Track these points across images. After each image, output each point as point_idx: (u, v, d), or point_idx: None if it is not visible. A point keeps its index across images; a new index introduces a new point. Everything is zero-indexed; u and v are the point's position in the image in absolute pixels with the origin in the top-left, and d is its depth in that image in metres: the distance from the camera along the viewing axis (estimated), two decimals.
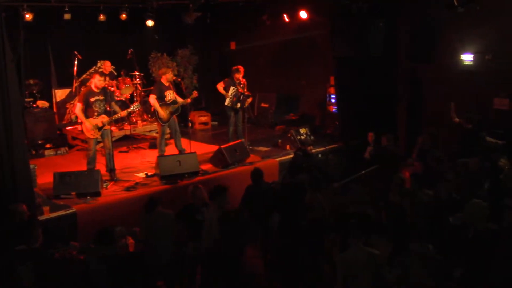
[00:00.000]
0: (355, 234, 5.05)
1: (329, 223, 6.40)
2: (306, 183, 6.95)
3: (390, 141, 9.09)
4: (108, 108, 8.53)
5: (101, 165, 8.85)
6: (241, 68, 10.55)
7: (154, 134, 11.51)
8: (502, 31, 8.85)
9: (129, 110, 9.05)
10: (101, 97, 8.47)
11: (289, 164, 9.21)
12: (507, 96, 9.09)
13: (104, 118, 8.46)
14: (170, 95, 9.53)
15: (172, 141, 11.42)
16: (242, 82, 10.55)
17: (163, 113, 9.38)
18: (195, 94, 9.94)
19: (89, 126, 8.36)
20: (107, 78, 11.43)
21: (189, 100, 9.87)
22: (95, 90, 8.44)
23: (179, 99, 9.71)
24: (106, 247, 5.39)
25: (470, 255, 5.24)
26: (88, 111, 8.40)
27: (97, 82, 8.41)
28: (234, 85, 10.47)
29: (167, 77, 9.56)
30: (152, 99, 9.43)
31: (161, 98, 9.43)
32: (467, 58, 9.43)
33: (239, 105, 10.53)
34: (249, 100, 10.81)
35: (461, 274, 5.20)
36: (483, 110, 9.27)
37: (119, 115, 8.73)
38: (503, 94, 9.13)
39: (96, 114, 8.43)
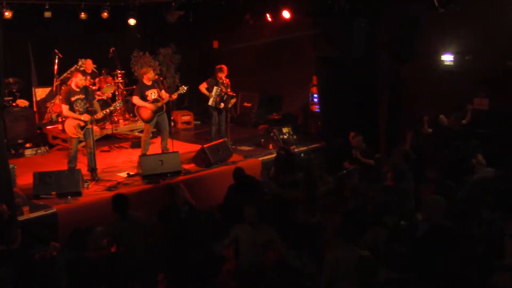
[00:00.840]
0: (347, 234, 5.03)
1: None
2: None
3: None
4: (91, 109, 8.49)
5: (82, 165, 8.77)
6: (224, 67, 10.51)
7: (136, 134, 11.46)
8: (482, 32, 8.96)
9: (111, 108, 9.03)
10: (82, 96, 8.41)
11: (273, 163, 9.20)
12: (486, 96, 9.21)
13: (86, 117, 8.39)
14: (152, 94, 9.49)
15: (155, 140, 11.39)
16: (225, 82, 10.53)
17: (146, 112, 9.36)
18: (181, 89, 9.73)
19: (85, 117, 8.28)
20: (89, 77, 11.34)
21: (174, 96, 9.73)
22: (76, 89, 8.38)
23: (165, 96, 9.59)
24: (77, 250, 5.35)
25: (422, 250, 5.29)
26: (71, 110, 8.34)
27: (78, 81, 8.35)
28: (217, 84, 10.43)
29: (148, 76, 9.51)
30: (136, 99, 9.43)
31: (143, 98, 9.41)
32: (447, 58, 9.53)
33: (222, 105, 10.50)
34: (233, 100, 10.81)
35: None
36: (463, 110, 9.37)
37: (99, 115, 8.69)
38: (483, 94, 9.25)
39: (77, 113, 8.36)
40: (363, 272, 4.79)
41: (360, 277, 4.79)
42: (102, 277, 5.43)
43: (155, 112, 9.47)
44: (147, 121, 9.49)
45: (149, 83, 9.54)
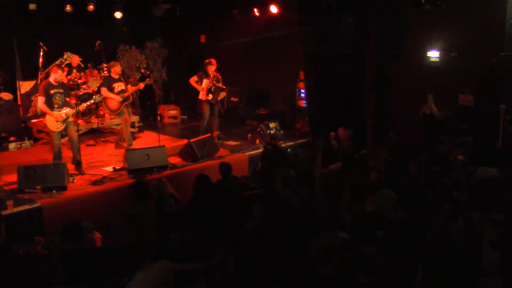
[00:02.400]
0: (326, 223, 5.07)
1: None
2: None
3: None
4: (68, 100, 8.54)
5: (66, 159, 8.70)
6: (213, 61, 10.56)
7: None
8: (468, 29, 9.03)
9: (91, 101, 9.06)
10: (61, 90, 8.42)
11: (260, 158, 9.21)
12: (471, 93, 9.29)
13: (68, 110, 8.38)
14: (119, 86, 9.82)
15: (141, 134, 11.36)
16: (215, 75, 10.53)
17: (113, 103, 9.73)
18: (148, 80, 10.10)
19: (58, 117, 8.24)
20: (74, 70, 11.26)
21: (141, 86, 10.13)
22: (54, 83, 8.37)
23: (132, 88, 10.03)
24: (73, 242, 5.31)
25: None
26: (48, 103, 8.28)
27: (57, 76, 8.38)
28: (207, 77, 10.46)
29: (115, 70, 9.93)
30: (104, 91, 9.77)
31: (110, 90, 9.75)
32: (433, 55, 9.59)
33: (211, 96, 10.49)
34: (223, 94, 10.83)
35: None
36: (449, 106, 9.46)
37: (81, 107, 8.74)
38: (468, 91, 9.33)
39: (56, 106, 8.32)
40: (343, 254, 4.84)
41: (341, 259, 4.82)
42: (88, 271, 5.39)
43: (122, 102, 9.78)
44: (114, 111, 9.86)
45: (116, 77, 9.92)
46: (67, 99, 8.52)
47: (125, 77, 10.18)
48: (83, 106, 8.82)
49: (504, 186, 6.31)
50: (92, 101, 9.06)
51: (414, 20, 9.71)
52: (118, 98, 9.70)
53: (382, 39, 10.18)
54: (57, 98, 8.33)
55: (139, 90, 10.45)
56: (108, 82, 9.85)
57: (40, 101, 8.30)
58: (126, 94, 9.81)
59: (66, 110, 8.36)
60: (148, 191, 6.29)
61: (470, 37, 9.03)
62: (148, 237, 5.88)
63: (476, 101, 9.23)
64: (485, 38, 8.83)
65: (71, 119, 8.49)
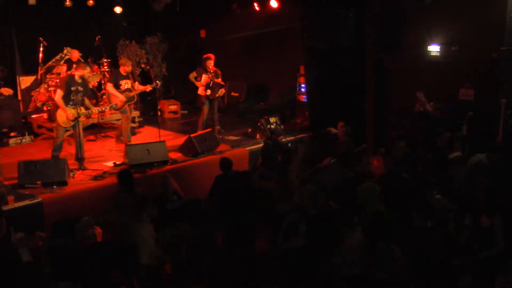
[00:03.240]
0: None
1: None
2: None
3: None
4: (86, 100, 8.51)
5: (66, 154, 8.70)
6: (212, 56, 10.54)
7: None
8: (469, 23, 9.01)
9: (107, 107, 9.16)
10: (81, 88, 8.37)
11: (260, 153, 9.22)
12: (472, 87, 9.28)
13: (81, 111, 8.38)
14: (126, 84, 9.70)
15: (141, 129, 11.36)
16: (215, 70, 10.54)
17: (117, 101, 9.48)
18: (156, 84, 9.95)
19: (70, 115, 8.23)
20: (74, 65, 11.23)
21: (148, 89, 10.00)
22: (77, 79, 8.33)
23: (139, 88, 9.86)
24: (63, 239, 5.33)
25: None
26: (65, 98, 8.25)
27: (86, 73, 8.39)
28: (206, 73, 10.45)
29: (125, 69, 9.75)
30: (109, 87, 9.62)
31: (116, 87, 9.60)
32: (434, 49, 9.57)
33: (209, 91, 10.48)
34: (222, 90, 10.83)
35: None
36: (449, 101, 9.44)
37: (91, 110, 8.70)
38: (469, 85, 9.32)
39: (71, 103, 8.28)
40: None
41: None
42: (87, 266, 5.41)
43: (126, 101, 9.66)
44: (118, 109, 9.66)
45: (125, 74, 9.76)
46: (85, 98, 8.48)
47: (133, 75, 9.98)
48: (96, 110, 8.87)
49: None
50: (107, 107, 9.11)
51: (414, 13, 9.69)
52: (122, 97, 9.53)
53: (382, 33, 10.16)
54: (75, 95, 8.29)
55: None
56: (115, 78, 9.72)
57: (58, 94, 8.26)
58: (131, 94, 9.67)
59: (80, 111, 8.32)
60: (132, 180, 6.32)
61: (471, 31, 9.01)
62: (131, 229, 5.96)
63: (476, 96, 9.23)
64: (486, 32, 8.82)
65: (81, 119, 8.49)
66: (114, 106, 9.19)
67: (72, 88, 8.26)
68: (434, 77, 9.61)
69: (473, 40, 8.99)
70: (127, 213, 6.02)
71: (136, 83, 9.90)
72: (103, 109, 9.13)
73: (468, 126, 8.44)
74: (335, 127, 9.48)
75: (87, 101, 8.55)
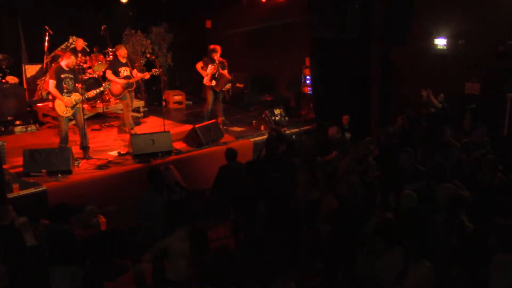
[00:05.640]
0: None
1: None
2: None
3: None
4: (77, 86, 8.50)
5: (72, 143, 8.73)
6: (218, 48, 10.54)
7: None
8: (475, 17, 8.96)
9: (101, 88, 9.13)
10: (71, 75, 8.42)
11: (264, 144, 9.21)
12: (478, 81, 9.24)
13: (77, 96, 8.40)
14: (125, 71, 9.69)
15: (146, 119, 11.37)
16: (221, 61, 10.54)
17: (117, 87, 9.57)
18: (155, 71, 9.80)
19: (67, 102, 8.27)
20: (80, 54, 11.25)
21: (147, 76, 9.92)
22: (66, 68, 8.37)
23: (138, 75, 9.87)
24: (59, 224, 5.35)
25: None
26: (58, 87, 8.29)
27: (70, 62, 8.40)
28: (212, 63, 10.44)
29: (121, 54, 9.73)
30: (109, 74, 9.64)
31: (115, 74, 9.62)
32: (440, 42, 9.53)
33: (214, 82, 10.48)
34: (229, 85, 10.84)
35: None
36: (455, 95, 9.41)
37: (90, 93, 8.77)
38: (475, 79, 9.27)
39: (65, 91, 8.33)
40: None
41: None
42: (88, 254, 5.44)
43: (125, 88, 9.67)
44: (117, 96, 9.74)
45: (123, 61, 9.75)
46: (76, 85, 8.51)
47: (131, 62, 10.08)
48: (92, 93, 8.87)
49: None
50: (101, 88, 9.12)
51: (421, 6, 9.64)
52: (122, 82, 9.61)
53: (388, 25, 10.10)
54: (67, 83, 8.34)
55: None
56: (114, 65, 9.75)
57: (51, 84, 8.31)
58: (131, 81, 9.72)
59: (75, 97, 8.38)
60: (162, 180, 6.16)
61: (478, 25, 8.96)
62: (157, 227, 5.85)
63: (482, 90, 9.18)
64: (493, 26, 8.76)
65: (79, 105, 8.51)
66: (108, 86, 9.28)
67: (62, 76, 8.31)
68: (440, 70, 9.57)
69: (480, 34, 8.94)
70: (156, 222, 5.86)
71: (135, 70, 9.93)
72: (97, 91, 9.03)
73: (471, 117, 8.40)
74: (340, 120, 9.47)
75: (79, 88, 8.60)
